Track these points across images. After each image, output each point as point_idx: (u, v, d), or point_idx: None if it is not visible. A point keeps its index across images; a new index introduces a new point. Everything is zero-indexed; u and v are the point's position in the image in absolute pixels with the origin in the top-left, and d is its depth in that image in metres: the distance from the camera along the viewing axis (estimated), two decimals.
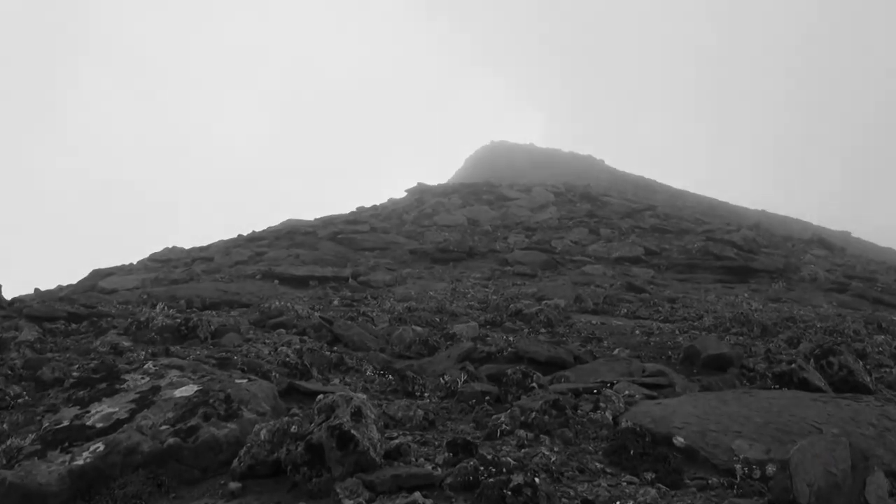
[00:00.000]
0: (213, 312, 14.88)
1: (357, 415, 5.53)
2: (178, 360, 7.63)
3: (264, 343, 11.14)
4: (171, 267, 23.34)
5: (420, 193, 42.43)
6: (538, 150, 73.92)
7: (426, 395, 8.27)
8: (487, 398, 7.65)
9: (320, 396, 5.80)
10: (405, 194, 44.14)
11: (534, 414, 6.64)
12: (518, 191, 38.52)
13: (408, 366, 10.19)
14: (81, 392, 7.20)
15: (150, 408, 6.52)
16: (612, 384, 8.14)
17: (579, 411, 7.06)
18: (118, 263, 25.88)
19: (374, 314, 15.32)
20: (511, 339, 12.21)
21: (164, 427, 6.18)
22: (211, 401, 6.48)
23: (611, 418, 6.97)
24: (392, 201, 43.04)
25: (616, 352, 11.12)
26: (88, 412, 6.66)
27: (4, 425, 6.99)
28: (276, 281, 20.69)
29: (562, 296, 19.63)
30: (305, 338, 11.78)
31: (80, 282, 22.44)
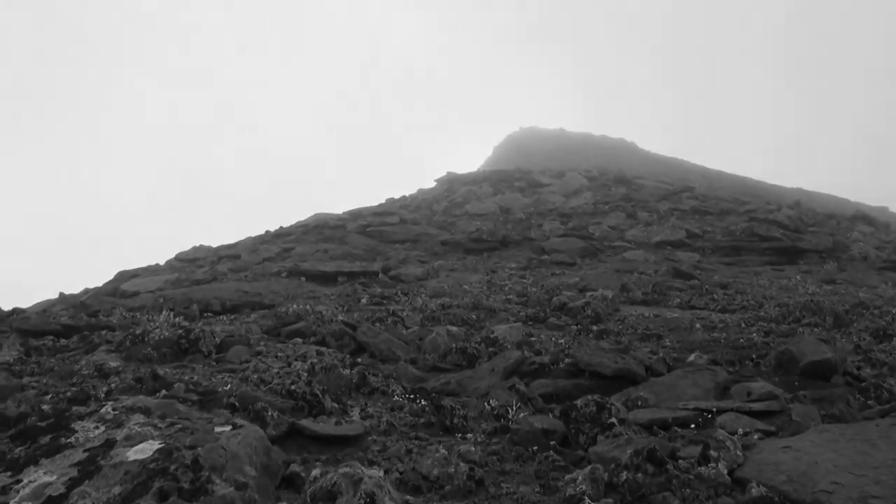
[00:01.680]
0: (228, 318, 12.98)
1: None
2: (146, 399, 5.62)
3: (276, 357, 9.14)
4: (195, 266, 21.57)
5: (449, 182, 40.18)
6: (569, 134, 70.61)
7: (468, 431, 6.17)
8: (553, 442, 5.52)
9: (315, 474, 3.74)
10: (434, 184, 41.91)
11: (624, 474, 4.49)
12: (550, 176, 36.06)
13: (444, 384, 8.11)
14: (19, 448, 5.23)
15: (93, 477, 4.50)
16: (712, 413, 5.96)
17: (681, 461, 4.89)
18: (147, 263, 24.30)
19: (405, 313, 13.29)
20: (563, 342, 10.06)
21: None
22: (173, 467, 4.43)
23: (726, 473, 4.80)
24: (421, 191, 40.85)
25: (692, 358, 8.88)
26: (20, 481, 4.67)
27: None
28: (303, 278, 18.79)
29: (606, 285, 17.42)
30: (324, 348, 9.77)
31: (104, 284, 20.82)
